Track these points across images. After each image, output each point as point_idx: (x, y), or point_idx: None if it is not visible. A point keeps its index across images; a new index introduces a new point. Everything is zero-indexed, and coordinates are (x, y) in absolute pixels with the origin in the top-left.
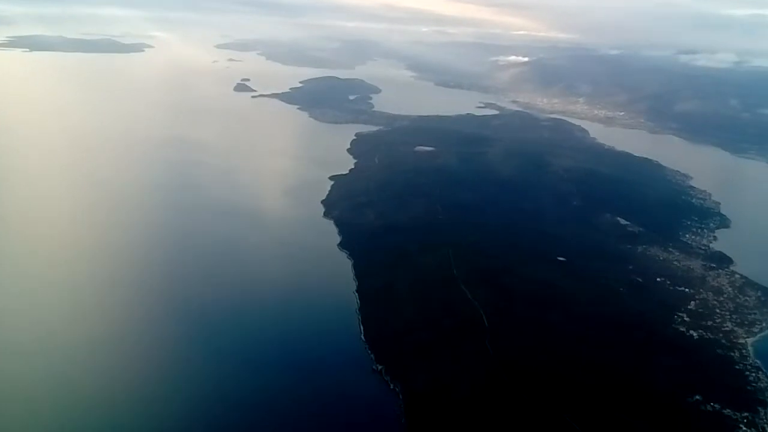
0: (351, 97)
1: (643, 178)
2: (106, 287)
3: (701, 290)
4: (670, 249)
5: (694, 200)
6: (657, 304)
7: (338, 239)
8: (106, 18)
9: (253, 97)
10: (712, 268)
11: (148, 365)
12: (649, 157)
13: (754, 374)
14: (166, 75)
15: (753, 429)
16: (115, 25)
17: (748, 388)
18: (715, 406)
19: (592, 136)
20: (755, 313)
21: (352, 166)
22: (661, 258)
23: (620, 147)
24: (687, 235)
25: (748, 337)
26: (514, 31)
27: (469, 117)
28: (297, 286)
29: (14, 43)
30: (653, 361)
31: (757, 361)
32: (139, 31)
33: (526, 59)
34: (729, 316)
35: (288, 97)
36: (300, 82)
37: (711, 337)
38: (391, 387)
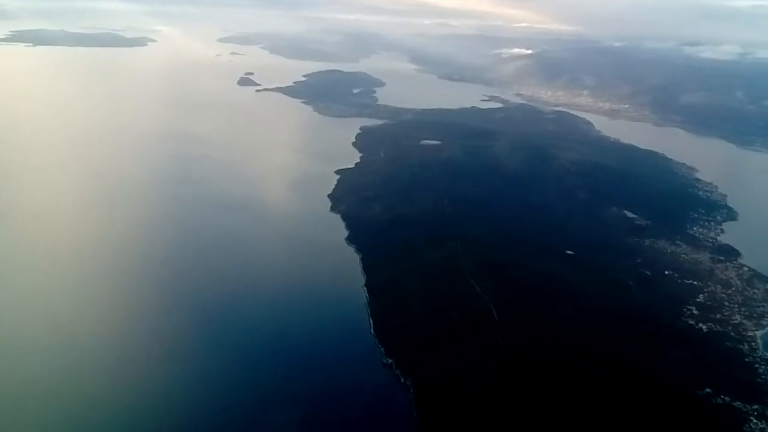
0: (355, 91)
1: (649, 170)
2: (112, 281)
3: (709, 283)
4: (678, 242)
5: (700, 193)
6: (665, 297)
7: (345, 233)
8: (108, 12)
9: (257, 90)
10: (720, 261)
11: (157, 359)
12: (655, 150)
13: (763, 367)
14: (170, 69)
15: (763, 421)
16: (118, 19)
17: (758, 380)
18: (726, 398)
19: (597, 128)
20: (764, 306)
21: (358, 160)
22: (669, 251)
23: (625, 140)
24: (694, 228)
25: (757, 330)
26: (517, 23)
27: (474, 110)
28: (306, 280)
29: (16, 37)
30: (663, 353)
31: (767, 354)
32: (142, 25)
33: (529, 51)
34: (738, 309)
35: (292, 91)
36: (303, 76)
37: (720, 329)
38: (402, 380)
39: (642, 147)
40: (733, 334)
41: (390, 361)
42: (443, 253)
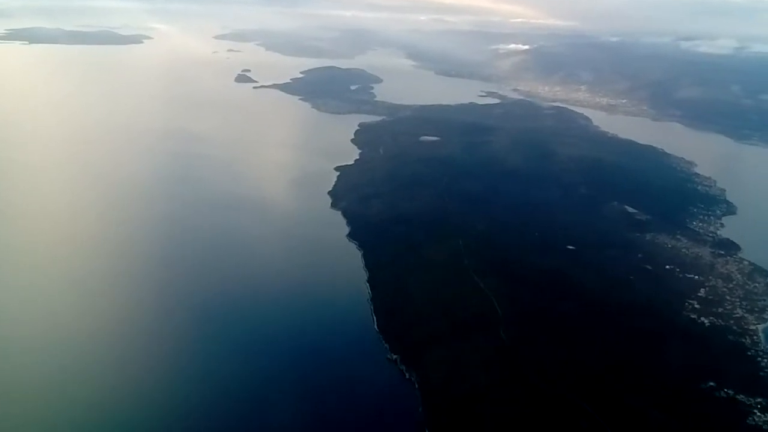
0: (352, 87)
1: (648, 165)
2: (111, 280)
3: (710, 277)
4: (678, 236)
5: (699, 187)
6: (667, 291)
7: (347, 230)
8: (104, 9)
9: (254, 87)
10: (720, 255)
11: (159, 357)
12: (653, 145)
13: (766, 360)
14: (167, 66)
15: (767, 414)
16: (114, 16)
17: (761, 374)
18: (729, 392)
19: (595, 124)
20: (765, 300)
21: (357, 157)
22: (670, 246)
23: (624, 135)
24: (694, 223)
25: (758, 324)
26: (513, 18)
27: (472, 106)
28: (308, 277)
29: (13, 35)
30: (665, 348)
31: None
32: (138, 23)
33: (526, 47)
34: (739, 303)
35: (289, 88)
36: (301, 73)
37: (722, 324)
38: (407, 376)
39: (640, 142)
40: (735, 328)
41: (394, 357)
42: (445, 250)
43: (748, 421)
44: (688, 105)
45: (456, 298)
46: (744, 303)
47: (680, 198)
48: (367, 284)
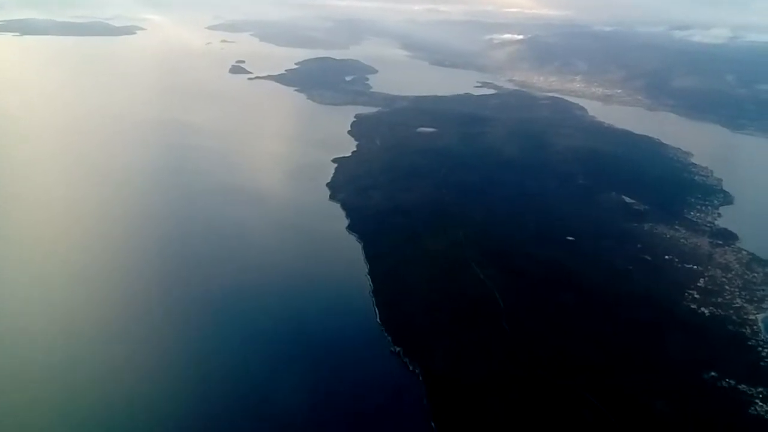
0: (348, 78)
1: (644, 155)
2: (110, 273)
3: (709, 267)
4: (677, 226)
5: (696, 177)
6: (667, 281)
7: (346, 222)
8: (96, 0)
9: (249, 79)
10: (718, 245)
11: (162, 351)
12: (649, 135)
13: (766, 350)
14: (160, 57)
15: None
16: (106, 7)
17: (762, 363)
18: (731, 382)
19: (591, 114)
20: (764, 289)
21: (354, 149)
22: (668, 236)
23: (620, 125)
24: (692, 213)
25: (758, 313)
26: (507, 8)
27: (468, 96)
28: (308, 269)
29: (3, 27)
30: (666, 338)
31: None
32: (130, 14)
33: (520, 37)
34: (738, 293)
35: (284, 79)
36: (295, 64)
37: (721, 313)
38: (411, 368)
39: (636, 132)
40: (734, 317)
41: (397, 349)
42: (445, 241)
43: (750, 411)
44: (683, 95)
45: (457, 289)
46: (743, 293)
47: (677, 188)
48: (368, 276)
